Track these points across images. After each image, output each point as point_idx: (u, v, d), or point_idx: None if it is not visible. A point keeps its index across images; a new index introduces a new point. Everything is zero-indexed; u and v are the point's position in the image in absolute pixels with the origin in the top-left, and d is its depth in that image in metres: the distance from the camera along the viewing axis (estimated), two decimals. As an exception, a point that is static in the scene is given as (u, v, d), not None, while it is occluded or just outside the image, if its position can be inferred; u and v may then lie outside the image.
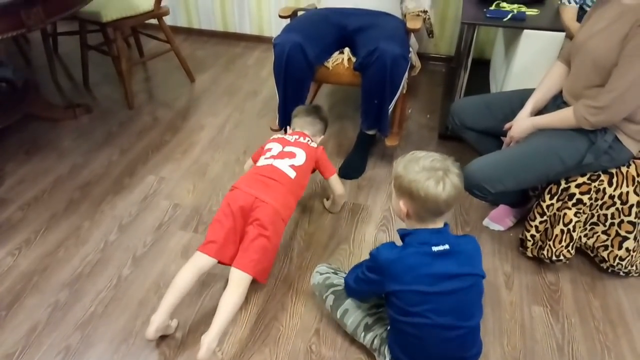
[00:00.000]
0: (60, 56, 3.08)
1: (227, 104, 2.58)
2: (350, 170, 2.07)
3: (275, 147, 1.65)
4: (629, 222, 1.48)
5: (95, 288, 1.56)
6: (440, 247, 1.11)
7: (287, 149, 1.64)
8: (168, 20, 3.08)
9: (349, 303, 1.34)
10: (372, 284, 1.20)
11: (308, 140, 1.71)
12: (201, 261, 1.40)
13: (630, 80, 1.27)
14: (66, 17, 2.03)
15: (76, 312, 1.48)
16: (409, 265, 1.11)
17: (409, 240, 1.15)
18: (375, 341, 1.29)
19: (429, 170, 1.08)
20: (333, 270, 1.42)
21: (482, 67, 2.61)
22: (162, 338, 1.40)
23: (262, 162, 1.60)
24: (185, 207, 1.89)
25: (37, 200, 1.93)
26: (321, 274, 1.42)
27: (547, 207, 1.53)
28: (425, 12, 2.10)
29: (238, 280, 1.36)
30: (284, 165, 1.56)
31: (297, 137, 1.71)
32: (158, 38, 2.77)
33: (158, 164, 2.13)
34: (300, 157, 1.61)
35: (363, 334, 1.31)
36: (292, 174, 1.55)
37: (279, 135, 1.76)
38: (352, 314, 1.33)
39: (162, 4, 2.53)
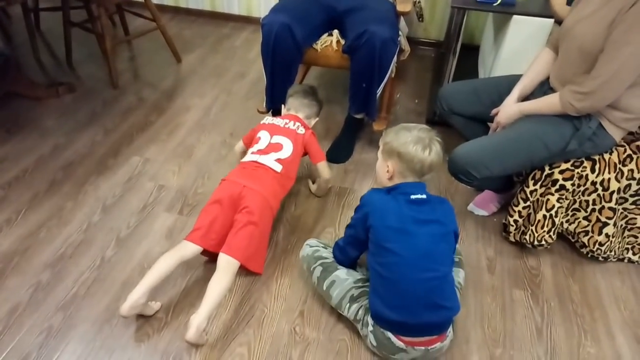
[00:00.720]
0: (43, 33, 3.00)
1: (214, 86, 2.55)
2: (338, 154, 2.06)
3: (264, 138, 1.66)
4: (610, 208, 1.51)
5: (78, 269, 1.55)
6: (419, 196, 1.24)
7: (275, 139, 1.65)
8: (154, -2, 3.01)
9: (335, 275, 1.36)
10: (357, 222, 1.29)
11: (298, 126, 1.71)
12: (185, 249, 1.41)
13: (615, 66, 1.27)
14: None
15: (58, 293, 1.47)
16: (389, 204, 1.24)
17: (393, 190, 1.27)
18: (360, 312, 1.31)
19: (417, 137, 1.24)
20: (323, 245, 1.45)
21: (471, 52, 2.61)
22: (146, 319, 1.40)
23: (248, 157, 1.62)
24: (170, 189, 1.87)
25: (19, 179, 1.89)
26: (311, 246, 1.45)
27: (531, 192, 1.55)
28: (415, -5, 2.08)
29: (225, 265, 1.37)
30: (269, 160, 1.59)
31: (287, 121, 1.71)
32: (144, 16, 2.70)
33: (143, 145, 2.10)
34: (287, 149, 1.63)
35: (348, 305, 1.33)
36: (278, 167, 1.58)
37: (270, 119, 1.75)
38: (339, 286, 1.35)
39: (148, -20, 2.47)
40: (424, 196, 1.24)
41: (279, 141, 1.65)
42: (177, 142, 2.13)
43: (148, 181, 1.91)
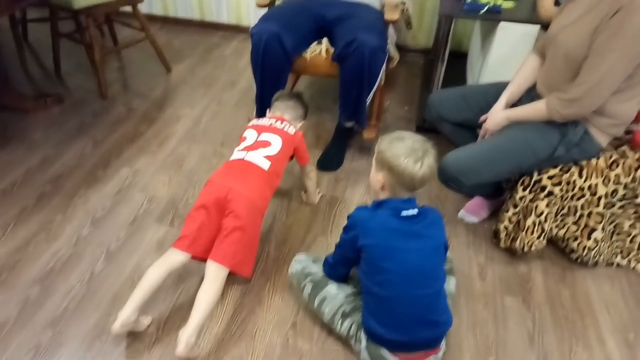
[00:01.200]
0: (31, 44, 2.98)
1: (204, 95, 2.54)
2: (328, 162, 2.06)
3: (251, 136, 1.62)
4: (598, 213, 1.52)
5: (68, 284, 1.53)
6: (409, 212, 1.21)
7: (262, 137, 1.60)
8: (143, 7, 3.01)
9: (326, 291, 1.35)
10: (346, 243, 1.27)
11: (285, 125, 1.66)
12: (172, 258, 1.38)
13: (600, 73, 1.29)
14: (35, 2, 1.96)
15: (47, 308, 1.45)
16: (379, 221, 1.21)
17: (382, 206, 1.23)
18: (352, 327, 1.30)
19: (410, 149, 1.17)
20: (312, 260, 1.43)
21: (459, 59, 2.63)
22: (136, 334, 1.38)
23: (235, 155, 1.57)
24: (160, 200, 1.86)
25: (6, 193, 1.87)
26: (299, 262, 1.43)
27: (520, 198, 1.56)
28: (403, 3, 2.09)
29: (214, 273, 1.35)
30: (256, 157, 1.53)
31: (273, 121, 1.67)
32: (132, 26, 2.70)
33: (133, 156, 2.09)
34: (275, 145, 1.58)
35: (340, 321, 1.32)
36: (265, 165, 1.52)
37: (255, 121, 1.71)
38: (330, 302, 1.34)
39: (136, -9, 2.46)
40: (415, 211, 1.21)
41: (267, 138, 1.59)
42: (167, 153, 2.12)
43: (138, 193, 1.90)
